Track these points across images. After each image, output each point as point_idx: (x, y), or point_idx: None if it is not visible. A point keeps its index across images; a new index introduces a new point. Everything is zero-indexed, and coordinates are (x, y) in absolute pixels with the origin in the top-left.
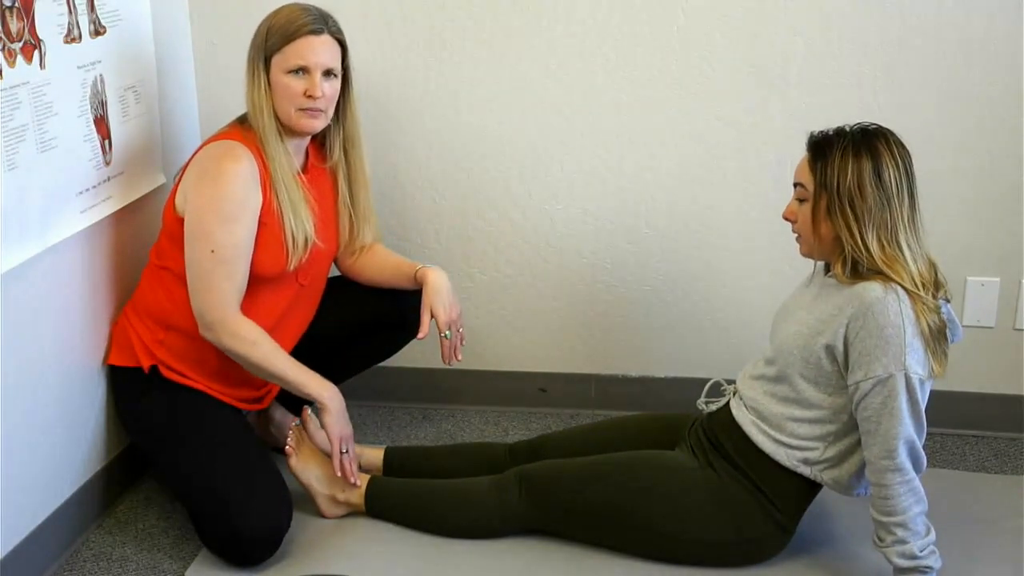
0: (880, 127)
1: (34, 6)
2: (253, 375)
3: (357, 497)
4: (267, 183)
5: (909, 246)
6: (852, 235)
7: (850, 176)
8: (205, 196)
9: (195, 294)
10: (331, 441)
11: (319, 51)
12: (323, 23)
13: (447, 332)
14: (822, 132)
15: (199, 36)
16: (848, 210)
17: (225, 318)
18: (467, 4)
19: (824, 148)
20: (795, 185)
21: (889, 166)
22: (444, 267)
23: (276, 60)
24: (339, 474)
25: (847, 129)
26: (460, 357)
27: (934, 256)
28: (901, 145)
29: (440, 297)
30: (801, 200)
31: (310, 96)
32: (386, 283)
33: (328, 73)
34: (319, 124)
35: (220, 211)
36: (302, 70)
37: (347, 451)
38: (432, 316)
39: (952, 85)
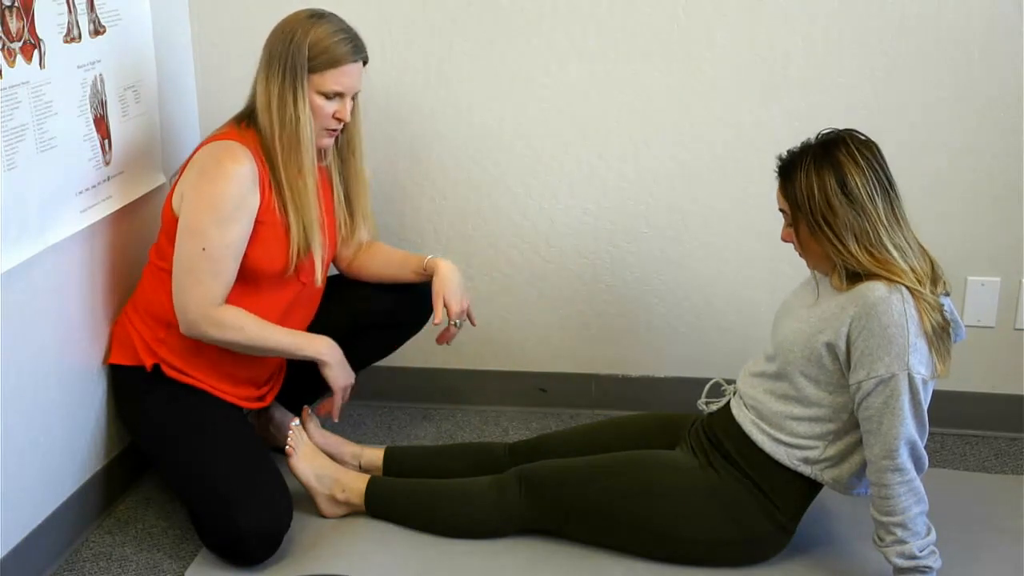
0: (839, 133)
1: (34, 6)
2: (256, 374)
3: (357, 497)
4: (266, 183)
5: (896, 245)
6: (837, 251)
7: (817, 195)
8: (203, 195)
9: (179, 289)
10: (334, 391)
11: (356, 79)
12: (363, 51)
13: (456, 322)
14: (789, 153)
15: (199, 36)
16: (825, 227)
17: (208, 312)
18: (467, 4)
19: (789, 171)
20: (780, 211)
21: (853, 173)
22: None
23: (314, 80)
24: (336, 418)
25: (810, 143)
26: (450, 343)
27: (927, 246)
28: (864, 144)
29: (452, 287)
30: (788, 224)
31: (339, 119)
32: (392, 277)
33: (354, 96)
34: (332, 143)
35: (216, 211)
36: (338, 96)
37: (346, 399)
38: (444, 305)
39: (952, 85)
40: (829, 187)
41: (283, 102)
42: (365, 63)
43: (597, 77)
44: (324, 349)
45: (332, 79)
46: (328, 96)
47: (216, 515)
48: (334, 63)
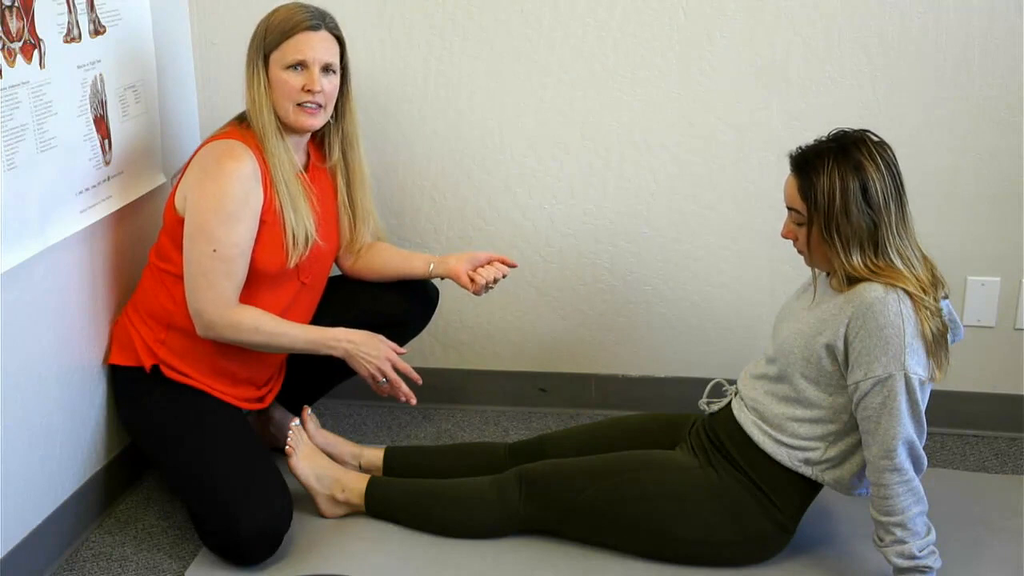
0: (855, 133)
1: (34, 6)
2: (255, 375)
3: (357, 497)
4: (268, 181)
5: (900, 253)
6: (840, 259)
7: (838, 199)
8: (207, 195)
9: (193, 292)
10: (368, 381)
11: (316, 46)
12: (320, 19)
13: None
14: (802, 152)
15: (199, 36)
16: (835, 234)
17: (224, 314)
18: (467, 4)
19: (809, 173)
20: (789, 209)
21: (874, 178)
22: None
23: (274, 57)
24: (413, 401)
25: (825, 144)
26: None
27: (927, 251)
28: (880, 145)
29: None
30: (799, 224)
31: (308, 90)
32: (394, 275)
33: (327, 69)
34: (318, 122)
35: (222, 210)
36: (300, 65)
37: (385, 381)
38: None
39: (952, 84)
40: (851, 192)
41: (250, 90)
42: (339, 39)
43: (597, 77)
44: (339, 348)
45: (290, 48)
46: (292, 68)
47: (216, 515)
48: (287, 34)
